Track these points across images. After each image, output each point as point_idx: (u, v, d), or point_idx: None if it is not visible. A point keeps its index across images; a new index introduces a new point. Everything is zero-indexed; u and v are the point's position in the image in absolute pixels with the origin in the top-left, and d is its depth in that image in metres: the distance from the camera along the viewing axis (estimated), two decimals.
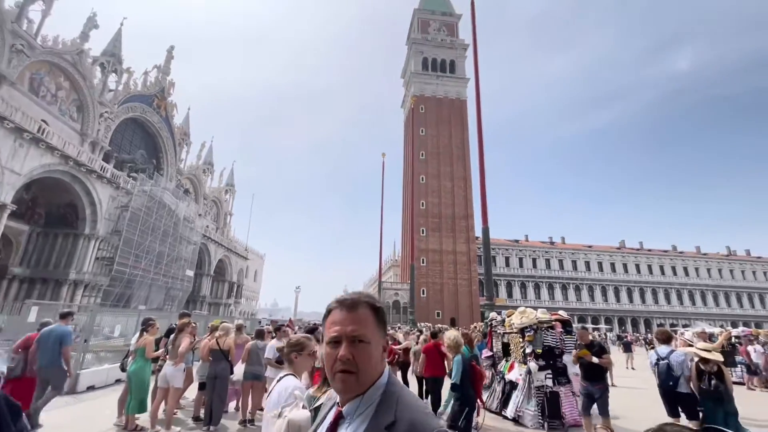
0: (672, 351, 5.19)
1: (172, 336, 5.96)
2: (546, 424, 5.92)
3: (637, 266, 60.23)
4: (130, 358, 6.00)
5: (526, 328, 6.62)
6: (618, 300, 57.42)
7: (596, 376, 5.68)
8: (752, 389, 10.74)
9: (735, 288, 59.96)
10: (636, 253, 61.75)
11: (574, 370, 6.42)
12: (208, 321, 11.99)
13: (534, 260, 59.27)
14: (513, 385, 6.62)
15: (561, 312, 7.22)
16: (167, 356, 5.79)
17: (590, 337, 6.11)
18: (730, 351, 9.32)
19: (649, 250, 62.69)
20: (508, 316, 7.40)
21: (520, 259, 59.13)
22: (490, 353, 7.82)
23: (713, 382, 4.40)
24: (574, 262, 59.60)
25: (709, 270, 61.05)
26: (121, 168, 30.61)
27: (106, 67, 31.05)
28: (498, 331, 7.80)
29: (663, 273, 60.01)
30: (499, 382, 7.10)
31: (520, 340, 6.74)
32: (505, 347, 7.40)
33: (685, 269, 60.79)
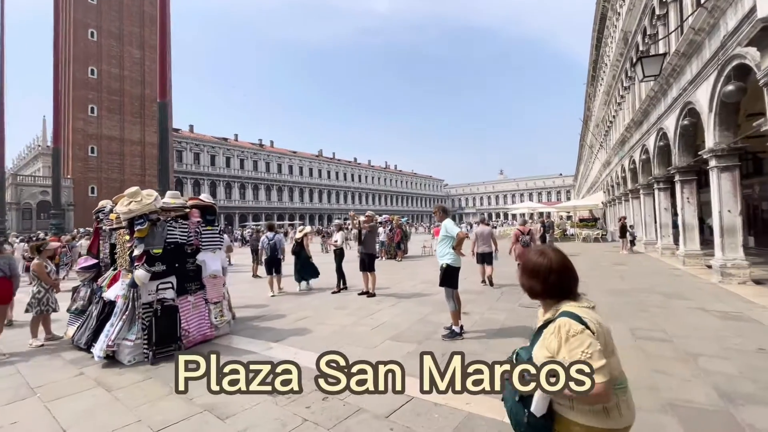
0: (275, 234, 8.51)
1: None
2: (152, 354, 4.01)
3: (329, 173, 70.73)
4: None
5: (138, 218, 4.20)
6: (311, 200, 66.19)
7: None
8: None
9: (387, 191, 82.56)
10: (329, 161, 71.89)
11: (211, 269, 4.76)
12: None
13: (242, 161, 57.34)
14: (113, 307, 4.25)
15: (204, 196, 5.28)
16: None
17: None
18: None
19: (339, 160, 74.54)
20: (114, 203, 4.71)
21: (228, 159, 55.66)
22: (93, 261, 5.01)
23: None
24: (279, 165, 62.35)
25: (374, 178, 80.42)
26: None
27: None
28: (104, 228, 5.02)
29: (345, 179, 73.66)
30: (96, 304, 4.54)
31: (128, 237, 4.31)
32: (113, 250, 4.80)
33: (360, 177, 77.21)
